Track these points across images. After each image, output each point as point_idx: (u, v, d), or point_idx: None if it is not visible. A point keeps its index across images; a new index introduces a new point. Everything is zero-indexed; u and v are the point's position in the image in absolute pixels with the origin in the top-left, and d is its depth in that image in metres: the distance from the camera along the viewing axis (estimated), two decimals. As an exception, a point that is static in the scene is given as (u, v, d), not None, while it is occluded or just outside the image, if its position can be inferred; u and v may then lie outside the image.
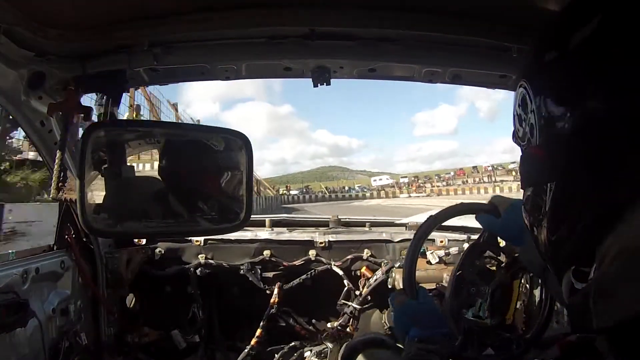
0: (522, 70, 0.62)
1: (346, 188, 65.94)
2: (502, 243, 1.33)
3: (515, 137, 0.64)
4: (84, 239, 1.77)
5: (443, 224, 1.43)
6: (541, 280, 1.19)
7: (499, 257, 1.35)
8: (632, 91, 0.48)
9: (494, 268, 1.36)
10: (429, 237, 1.76)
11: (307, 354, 1.98)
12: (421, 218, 2.40)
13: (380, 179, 63.60)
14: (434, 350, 0.99)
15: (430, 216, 1.21)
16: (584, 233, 0.53)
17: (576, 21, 0.53)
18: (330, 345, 1.99)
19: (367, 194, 58.01)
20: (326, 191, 62.00)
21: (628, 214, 0.48)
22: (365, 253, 2.14)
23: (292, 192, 58.93)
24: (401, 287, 1.70)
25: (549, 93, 0.56)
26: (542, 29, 0.61)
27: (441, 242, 2.08)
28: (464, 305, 1.35)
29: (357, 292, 2.13)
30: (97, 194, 1.25)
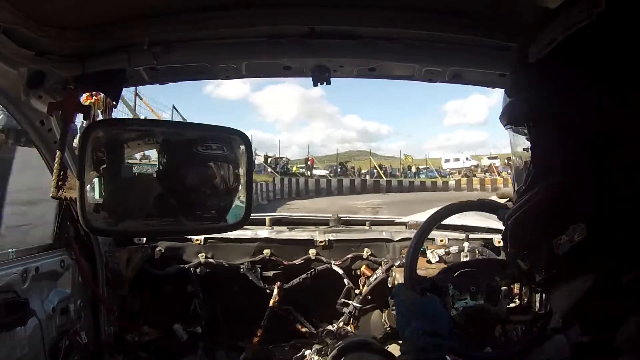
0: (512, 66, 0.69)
1: (414, 169, 39.14)
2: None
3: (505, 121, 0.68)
4: (84, 238, 1.77)
5: (442, 222, 1.45)
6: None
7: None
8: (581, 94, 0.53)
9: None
10: (429, 237, 1.77)
11: (307, 352, 1.99)
12: (421, 217, 2.40)
13: (457, 159, 43.72)
14: (440, 344, 1.00)
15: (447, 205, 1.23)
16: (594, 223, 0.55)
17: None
18: (330, 343, 2.00)
19: (451, 181, 35.52)
20: (381, 173, 35.32)
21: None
22: (365, 252, 2.14)
23: (317, 172, 32.88)
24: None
25: (536, 92, 0.61)
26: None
27: (441, 241, 2.09)
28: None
29: (357, 291, 2.13)
30: (97, 192, 1.25)
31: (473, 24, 1.18)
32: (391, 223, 2.40)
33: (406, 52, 1.29)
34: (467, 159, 44.42)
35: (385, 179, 33.47)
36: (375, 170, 36.12)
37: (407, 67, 1.39)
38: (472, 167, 41.84)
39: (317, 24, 1.18)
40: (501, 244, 1.46)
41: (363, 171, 37.49)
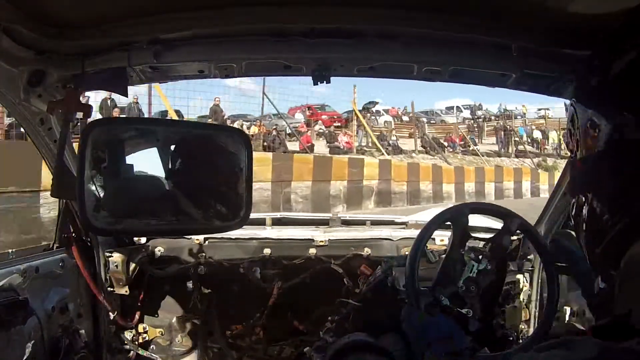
0: (573, 90, 0.70)
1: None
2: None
3: (567, 147, 0.71)
4: (84, 238, 1.77)
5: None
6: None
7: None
8: None
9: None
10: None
11: (306, 349, 1.99)
12: (421, 217, 2.40)
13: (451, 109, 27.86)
14: None
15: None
16: (614, 239, 0.59)
17: (617, 51, 0.60)
18: (329, 339, 2.00)
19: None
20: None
21: None
22: (365, 251, 2.14)
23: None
24: (401, 285, 1.71)
25: (591, 115, 0.62)
26: (593, 53, 0.71)
27: (441, 240, 2.09)
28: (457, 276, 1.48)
29: (357, 290, 2.13)
30: (97, 191, 1.25)
31: (473, 22, 1.18)
32: (391, 223, 2.40)
33: (406, 51, 1.29)
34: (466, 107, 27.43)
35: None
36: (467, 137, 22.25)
37: (407, 66, 1.38)
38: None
39: (317, 22, 1.18)
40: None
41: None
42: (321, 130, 19.05)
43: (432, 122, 24.97)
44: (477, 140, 24.06)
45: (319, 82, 1.36)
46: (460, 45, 1.27)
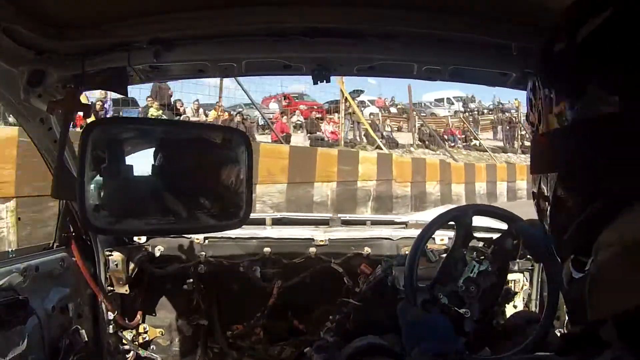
0: (535, 58, 0.64)
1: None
2: None
3: (527, 120, 0.64)
4: (84, 237, 1.77)
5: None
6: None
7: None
8: (634, 89, 0.48)
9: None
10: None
11: (307, 349, 1.99)
12: (422, 217, 2.40)
13: (441, 100, 27.87)
14: None
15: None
16: (583, 224, 0.53)
17: (585, 13, 0.53)
18: (330, 339, 2.00)
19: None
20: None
21: (625, 208, 0.48)
22: (365, 251, 2.14)
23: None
24: (401, 285, 1.72)
25: (555, 84, 0.56)
26: (555, 19, 0.61)
27: (441, 240, 2.09)
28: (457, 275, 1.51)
29: (357, 290, 2.13)
30: (97, 191, 1.25)
31: (473, 22, 1.18)
32: (391, 222, 2.40)
33: (406, 51, 1.29)
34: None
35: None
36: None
37: (407, 65, 1.39)
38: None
39: (317, 22, 1.18)
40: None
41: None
42: (299, 122, 15.28)
43: (422, 114, 22.00)
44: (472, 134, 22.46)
45: (318, 82, 1.36)
46: (461, 45, 1.27)
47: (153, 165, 1.32)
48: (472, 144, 20.78)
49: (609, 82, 0.50)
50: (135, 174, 1.34)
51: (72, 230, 1.70)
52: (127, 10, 1.16)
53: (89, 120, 1.44)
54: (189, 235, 2.08)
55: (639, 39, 0.48)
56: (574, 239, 0.56)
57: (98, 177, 1.25)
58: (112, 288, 1.90)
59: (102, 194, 1.26)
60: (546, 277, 1.58)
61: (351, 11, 1.16)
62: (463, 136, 21.39)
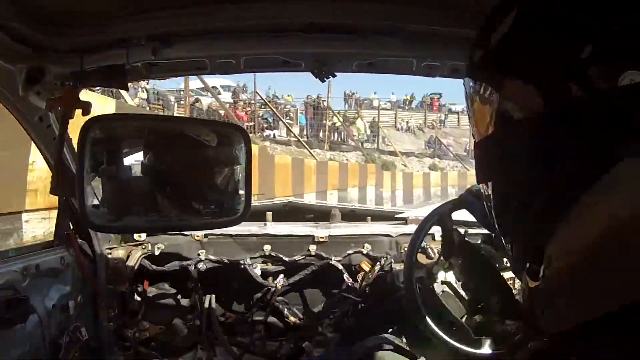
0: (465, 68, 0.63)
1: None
2: None
3: (472, 132, 0.62)
4: (84, 235, 1.77)
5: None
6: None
7: None
8: (545, 87, 0.46)
9: None
10: (429, 232, 1.78)
11: (306, 344, 2.00)
12: (422, 212, 2.41)
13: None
14: None
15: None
16: (528, 232, 0.50)
17: (495, 19, 0.52)
18: (329, 334, 2.00)
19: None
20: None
21: (571, 214, 0.45)
22: (365, 248, 2.14)
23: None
24: (400, 281, 1.72)
25: (477, 91, 0.56)
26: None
27: (441, 236, 2.09)
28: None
29: (357, 286, 2.14)
30: (96, 188, 1.25)
31: (472, 18, 1.18)
32: (392, 218, 2.41)
33: (405, 47, 1.29)
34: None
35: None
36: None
37: (406, 62, 1.38)
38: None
39: (316, 18, 1.18)
40: None
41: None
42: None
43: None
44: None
45: (318, 79, 1.36)
46: (460, 41, 1.27)
47: (152, 162, 1.32)
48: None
49: (527, 81, 0.48)
50: (135, 170, 1.34)
51: (71, 227, 1.70)
52: (125, 7, 1.16)
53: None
54: (188, 233, 2.08)
55: (547, 34, 0.47)
56: (523, 247, 0.52)
57: (97, 174, 1.25)
58: (111, 286, 1.90)
59: (101, 191, 1.26)
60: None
61: (350, 7, 1.16)
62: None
